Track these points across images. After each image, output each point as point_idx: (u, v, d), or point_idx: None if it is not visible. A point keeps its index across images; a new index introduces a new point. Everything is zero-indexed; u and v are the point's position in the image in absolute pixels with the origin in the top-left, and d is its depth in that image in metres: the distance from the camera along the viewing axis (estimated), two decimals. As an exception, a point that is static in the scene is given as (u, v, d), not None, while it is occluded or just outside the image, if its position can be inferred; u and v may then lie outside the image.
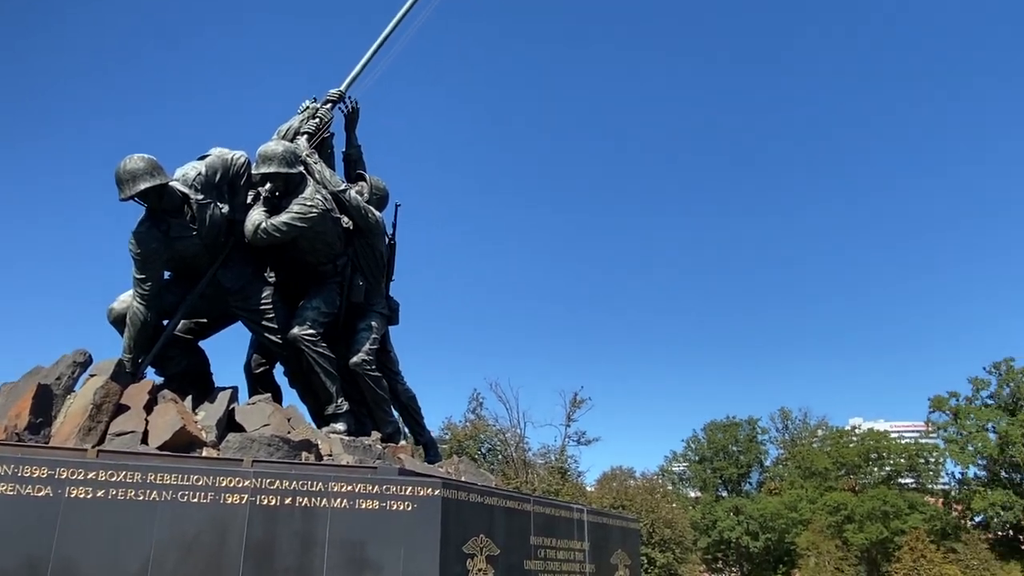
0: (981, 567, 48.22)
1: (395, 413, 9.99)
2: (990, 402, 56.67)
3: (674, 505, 53.08)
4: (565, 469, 48.15)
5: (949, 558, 48.83)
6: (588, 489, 49.55)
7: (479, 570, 6.69)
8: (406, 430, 10.87)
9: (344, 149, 10.55)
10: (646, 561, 39.24)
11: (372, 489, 6.34)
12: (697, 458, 72.10)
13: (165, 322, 8.55)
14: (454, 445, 46.48)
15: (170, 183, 7.97)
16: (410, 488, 6.44)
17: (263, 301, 8.83)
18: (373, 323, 9.49)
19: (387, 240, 10.12)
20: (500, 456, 50.15)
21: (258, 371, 9.81)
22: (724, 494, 69.77)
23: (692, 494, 71.93)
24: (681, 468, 74.71)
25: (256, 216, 8.59)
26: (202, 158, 8.53)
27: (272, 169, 8.60)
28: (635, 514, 39.64)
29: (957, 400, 57.42)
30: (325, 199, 8.87)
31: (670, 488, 64.93)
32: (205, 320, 9.21)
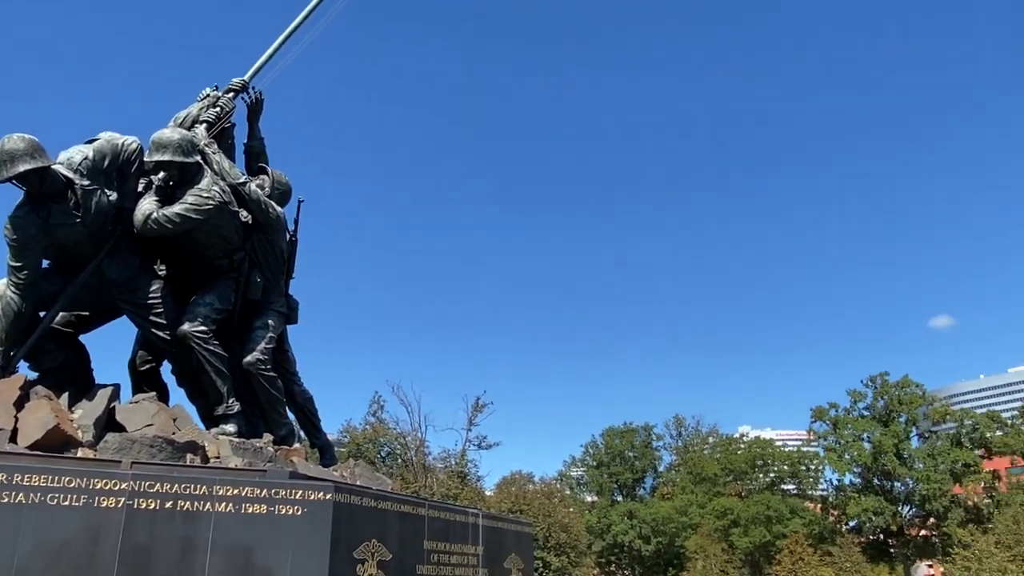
0: (853, 569, 51.26)
1: (290, 415, 9.72)
2: (866, 413, 60.41)
3: (571, 509, 53.93)
4: (465, 473, 48.10)
5: (825, 561, 51.68)
6: (487, 494, 49.70)
7: (370, 575, 6.59)
8: (301, 433, 10.59)
9: (246, 141, 10.21)
10: (541, 565, 39.67)
11: (260, 493, 6.14)
12: (595, 463, 73.51)
13: (42, 313, 8.04)
14: (352, 448, 45.68)
15: (53, 166, 7.51)
16: (300, 492, 6.27)
17: (151, 295, 8.43)
18: (270, 321, 9.21)
19: (288, 237, 9.85)
20: (400, 460, 49.61)
21: (143, 369, 9.33)
22: (619, 499, 71.39)
23: (589, 498, 73.28)
24: (579, 473, 76.02)
25: (147, 205, 8.20)
26: (90, 142, 8.07)
27: (167, 157, 8.23)
28: (532, 518, 40.03)
29: (836, 411, 60.90)
30: (223, 191, 8.55)
31: (568, 493, 65.96)
32: (87, 313, 8.70)
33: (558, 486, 60.45)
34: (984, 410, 63.21)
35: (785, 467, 66.51)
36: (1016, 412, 59.45)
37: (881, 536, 58.86)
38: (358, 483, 8.72)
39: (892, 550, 58.27)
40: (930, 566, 59.96)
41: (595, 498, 72.50)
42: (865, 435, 58.58)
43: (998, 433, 56.75)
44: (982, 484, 55.50)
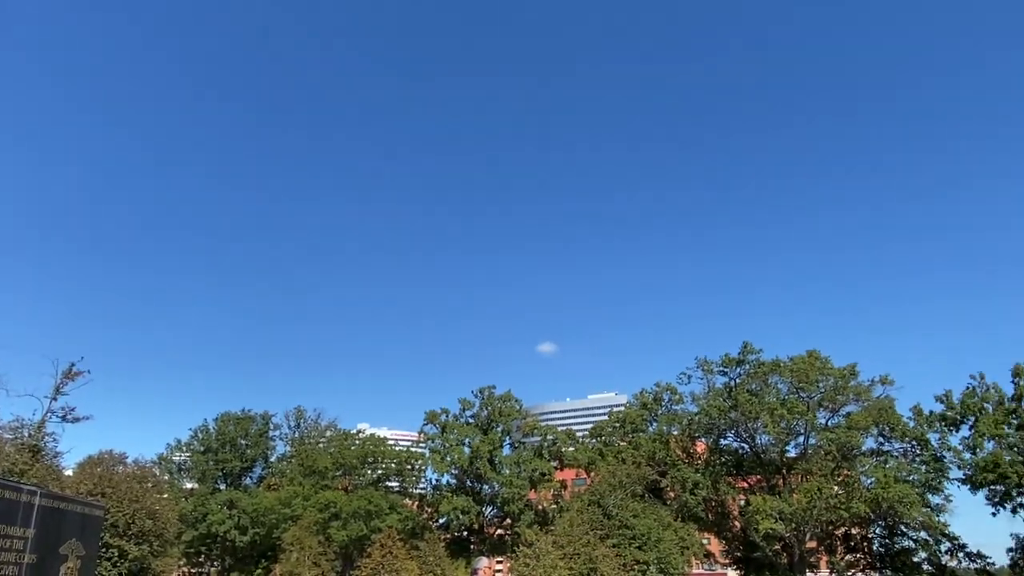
0: (435, 563, 55.60)
1: None
2: (471, 421, 66.42)
3: (165, 496, 50.07)
4: (39, 448, 41.86)
5: (412, 555, 55.22)
6: (66, 473, 43.80)
7: None
8: None
9: None
10: (117, 554, 36.10)
11: None
12: (202, 448, 69.55)
13: None
14: None
15: None
16: None
17: None
18: None
19: None
20: (-48, 426, 41.40)
21: None
22: (222, 487, 68.36)
23: (190, 485, 68.97)
24: (183, 458, 71.22)
25: None
26: None
27: None
28: (117, 503, 36.42)
29: (447, 416, 65.99)
30: None
31: (166, 478, 61.30)
32: None
33: (155, 471, 55.72)
34: (564, 428, 73.70)
35: (393, 465, 70.01)
36: (587, 432, 70.38)
37: (465, 533, 64.90)
38: None
39: (472, 546, 64.53)
40: (500, 562, 67.56)
41: (196, 485, 68.42)
42: (467, 440, 64.34)
43: (570, 449, 66.52)
44: (552, 491, 64.50)
